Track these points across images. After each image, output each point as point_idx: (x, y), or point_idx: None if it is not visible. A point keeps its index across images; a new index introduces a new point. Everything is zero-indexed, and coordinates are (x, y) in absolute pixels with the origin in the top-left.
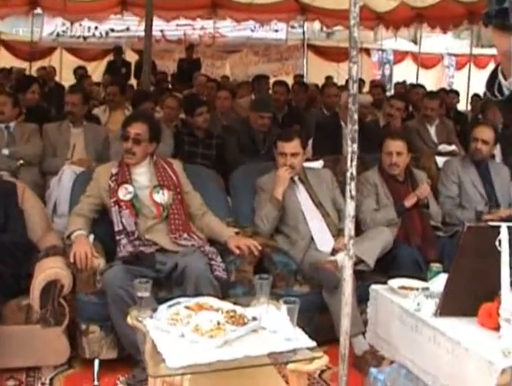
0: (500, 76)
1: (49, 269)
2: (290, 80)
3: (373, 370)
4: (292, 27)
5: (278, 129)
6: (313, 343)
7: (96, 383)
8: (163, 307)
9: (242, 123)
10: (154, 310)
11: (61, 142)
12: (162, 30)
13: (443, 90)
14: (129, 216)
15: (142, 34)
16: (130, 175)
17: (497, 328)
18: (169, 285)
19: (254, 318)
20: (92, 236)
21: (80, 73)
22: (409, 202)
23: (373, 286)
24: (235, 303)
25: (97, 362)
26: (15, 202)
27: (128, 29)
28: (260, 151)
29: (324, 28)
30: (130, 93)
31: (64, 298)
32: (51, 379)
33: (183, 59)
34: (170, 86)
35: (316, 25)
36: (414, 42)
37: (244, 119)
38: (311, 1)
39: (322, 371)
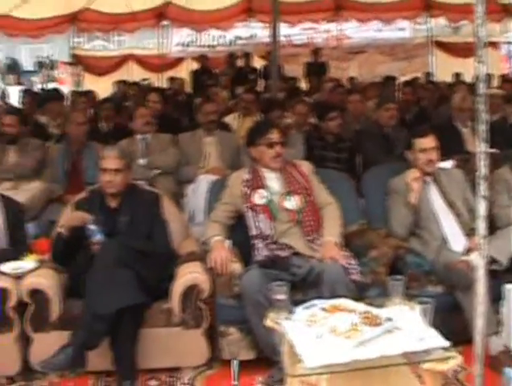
0: None
1: (188, 274)
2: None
3: (507, 370)
4: (417, 24)
5: (406, 130)
6: (447, 343)
7: (235, 383)
8: (299, 309)
9: (372, 125)
10: (291, 312)
11: (195, 151)
12: (287, 35)
13: None
14: (266, 220)
15: (268, 39)
16: (263, 180)
17: None
18: (304, 287)
19: (389, 319)
20: (229, 242)
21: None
22: None
23: (507, 286)
24: (370, 304)
25: (235, 362)
26: (159, 212)
27: (254, 36)
28: (394, 151)
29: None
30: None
31: (204, 302)
32: (192, 380)
33: (309, 62)
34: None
35: (442, 20)
36: None
37: (374, 121)
38: None
39: (457, 372)
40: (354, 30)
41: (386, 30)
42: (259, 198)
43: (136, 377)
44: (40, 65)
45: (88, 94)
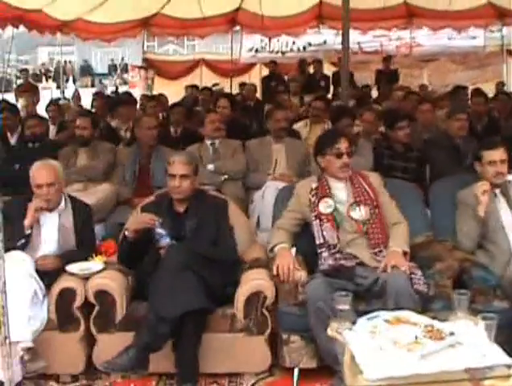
0: None
1: (253, 281)
2: (490, 87)
3: None
4: (491, 31)
5: (476, 141)
6: (510, 360)
7: None
8: (362, 320)
9: (442, 135)
10: (354, 323)
11: (263, 158)
12: (359, 42)
13: None
14: (330, 229)
15: (339, 46)
16: (329, 190)
17: None
18: (368, 297)
19: (452, 333)
20: (294, 249)
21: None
22: None
23: None
24: (433, 317)
25: (296, 370)
26: (225, 217)
27: (325, 42)
28: (463, 162)
29: None
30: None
31: (267, 309)
32: None
33: (380, 70)
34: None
35: None
36: None
37: (443, 131)
38: (508, 4)
39: None
40: (426, 38)
41: (459, 38)
42: (325, 207)
43: (197, 380)
44: (113, 68)
45: (159, 98)
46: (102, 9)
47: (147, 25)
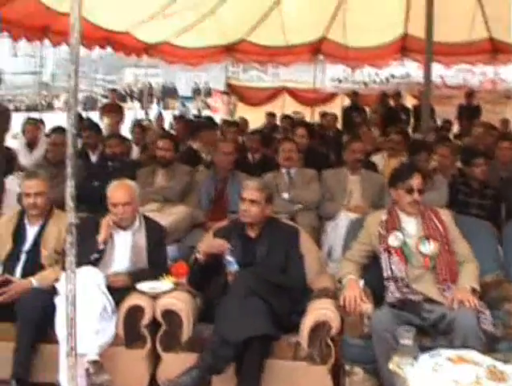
0: None
1: (319, 310)
2: None
3: None
4: None
5: None
6: None
7: None
8: (424, 356)
9: None
10: (416, 358)
11: (338, 188)
12: (442, 76)
13: None
14: (399, 263)
15: (422, 79)
16: (399, 223)
17: None
18: (434, 333)
19: None
20: (362, 281)
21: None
22: None
23: None
24: (497, 358)
25: None
26: (296, 245)
27: (408, 74)
28: None
29: None
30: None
31: (332, 339)
32: None
33: (462, 105)
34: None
35: None
36: None
37: None
38: None
39: None
40: (511, 74)
41: None
42: (394, 240)
43: None
44: (196, 92)
45: (239, 123)
46: (188, 33)
47: (232, 51)
